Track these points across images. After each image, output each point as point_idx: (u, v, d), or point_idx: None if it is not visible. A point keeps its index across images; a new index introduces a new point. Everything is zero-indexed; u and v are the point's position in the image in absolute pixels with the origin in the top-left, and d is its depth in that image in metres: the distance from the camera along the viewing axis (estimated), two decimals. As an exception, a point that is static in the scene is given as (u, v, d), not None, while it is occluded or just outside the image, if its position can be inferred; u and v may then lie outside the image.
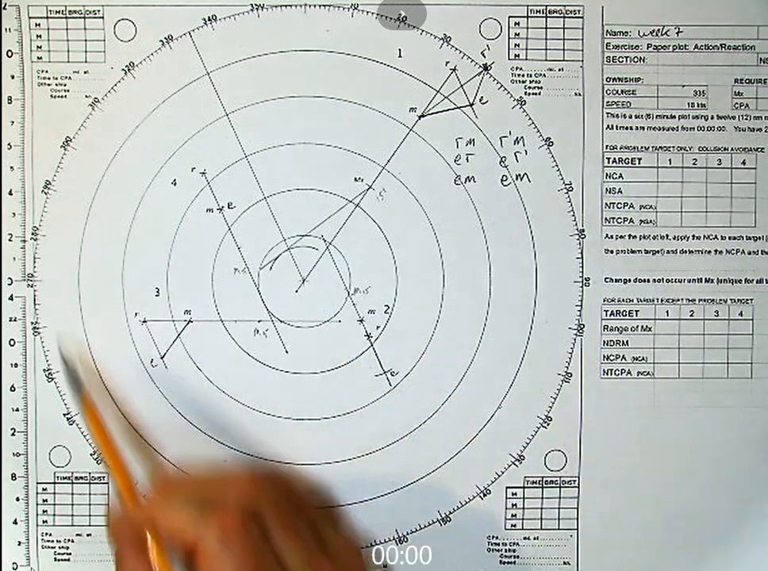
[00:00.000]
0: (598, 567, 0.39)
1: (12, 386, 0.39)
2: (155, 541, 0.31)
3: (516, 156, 0.39)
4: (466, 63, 0.38)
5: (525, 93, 0.38)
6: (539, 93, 0.38)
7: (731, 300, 0.39)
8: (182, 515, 0.30)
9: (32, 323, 0.39)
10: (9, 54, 0.38)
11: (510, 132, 0.38)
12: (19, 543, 0.39)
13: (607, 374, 0.39)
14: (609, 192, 0.39)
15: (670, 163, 0.39)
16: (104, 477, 0.39)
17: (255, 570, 0.29)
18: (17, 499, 0.39)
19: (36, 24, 0.38)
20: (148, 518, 0.31)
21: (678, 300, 0.39)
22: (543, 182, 0.39)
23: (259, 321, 0.39)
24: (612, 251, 0.39)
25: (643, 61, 0.38)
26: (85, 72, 0.38)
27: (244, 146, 0.39)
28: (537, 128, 0.38)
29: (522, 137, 0.38)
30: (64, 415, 0.39)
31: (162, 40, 0.38)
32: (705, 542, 0.39)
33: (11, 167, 0.39)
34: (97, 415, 0.35)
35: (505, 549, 0.39)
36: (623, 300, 0.39)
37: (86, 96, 0.38)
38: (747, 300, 0.39)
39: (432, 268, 0.39)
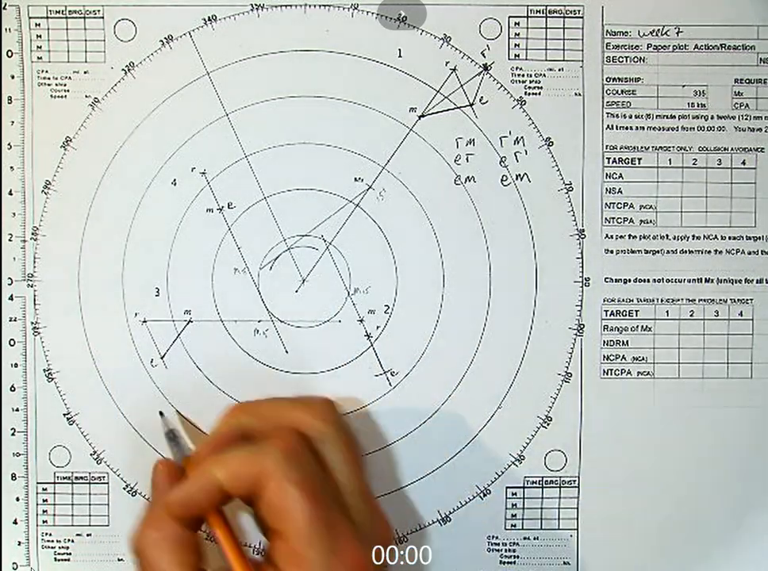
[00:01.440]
0: (598, 567, 0.39)
1: (12, 386, 0.39)
2: (216, 516, 0.31)
3: (516, 156, 0.38)
4: (466, 63, 0.38)
5: (525, 93, 0.38)
6: (539, 93, 0.38)
7: (731, 300, 0.39)
8: (240, 456, 0.30)
9: (32, 323, 0.39)
10: (9, 54, 0.38)
11: (510, 132, 0.38)
12: (19, 543, 0.39)
13: (607, 374, 0.39)
14: (609, 192, 0.39)
15: (670, 163, 0.39)
16: (104, 477, 0.39)
17: (319, 487, 0.30)
18: (17, 499, 0.39)
19: (36, 24, 0.38)
20: (210, 481, 0.31)
21: (678, 300, 0.39)
22: (543, 182, 0.39)
23: (259, 321, 0.39)
24: (612, 251, 0.39)
25: (643, 61, 0.38)
26: (85, 72, 0.38)
27: (244, 146, 0.39)
28: (537, 128, 0.38)
29: (522, 137, 0.38)
30: (64, 415, 0.39)
31: (162, 40, 0.38)
32: (705, 542, 0.39)
33: (11, 167, 0.39)
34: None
35: (505, 549, 0.39)
36: (623, 300, 0.39)
37: (86, 96, 0.38)
38: (747, 300, 0.39)
39: (432, 268, 0.39)
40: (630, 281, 0.39)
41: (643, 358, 0.39)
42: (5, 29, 0.38)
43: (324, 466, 0.32)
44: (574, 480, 0.39)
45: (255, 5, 0.38)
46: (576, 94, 0.38)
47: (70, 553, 0.39)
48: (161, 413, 0.38)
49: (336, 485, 0.32)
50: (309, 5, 0.38)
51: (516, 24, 0.38)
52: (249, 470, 0.30)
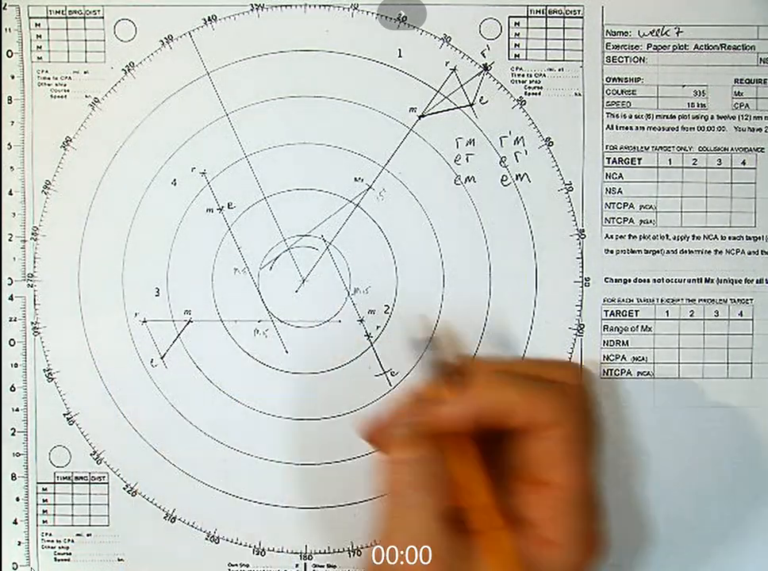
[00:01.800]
0: (598, 567, 0.39)
1: (12, 386, 0.39)
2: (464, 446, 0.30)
3: (516, 156, 0.38)
4: (466, 63, 0.38)
5: (525, 93, 0.38)
6: (539, 93, 0.38)
7: (731, 300, 0.39)
8: (543, 388, 0.30)
9: (32, 323, 0.39)
10: (9, 54, 0.38)
11: (510, 132, 0.38)
12: (19, 543, 0.39)
13: (607, 374, 0.39)
14: (609, 192, 0.39)
15: (670, 163, 0.39)
16: (104, 477, 0.39)
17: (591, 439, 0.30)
18: (17, 499, 0.39)
19: (36, 24, 0.38)
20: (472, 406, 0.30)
21: (678, 300, 0.39)
22: (543, 182, 0.39)
23: (259, 321, 0.39)
24: (612, 251, 0.39)
25: (643, 61, 0.38)
26: (85, 72, 0.38)
27: (244, 146, 0.39)
28: (537, 128, 0.38)
29: (522, 137, 0.38)
30: (64, 415, 0.39)
31: (162, 40, 0.38)
32: (705, 542, 0.39)
33: (11, 167, 0.39)
34: None
35: (505, 549, 0.39)
36: (623, 300, 0.39)
37: (86, 96, 0.38)
38: (747, 300, 0.39)
39: (432, 268, 0.39)
40: (630, 281, 0.39)
41: (643, 358, 0.39)
42: (5, 29, 0.38)
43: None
44: (574, 480, 0.39)
45: (255, 5, 0.38)
46: (576, 94, 0.38)
47: (70, 553, 0.39)
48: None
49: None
50: (309, 5, 0.38)
51: (516, 24, 0.38)
52: (545, 405, 0.29)
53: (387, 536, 0.30)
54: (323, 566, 0.39)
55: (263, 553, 0.39)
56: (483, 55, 0.38)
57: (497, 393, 0.30)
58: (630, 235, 0.39)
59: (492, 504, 0.30)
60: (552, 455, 0.29)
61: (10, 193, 0.39)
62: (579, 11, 0.38)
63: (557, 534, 0.28)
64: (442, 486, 0.29)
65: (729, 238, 0.39)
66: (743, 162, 0.39)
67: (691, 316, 0.39)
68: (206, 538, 0.39)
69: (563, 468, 0.29)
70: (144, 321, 0.39)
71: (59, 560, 0.39)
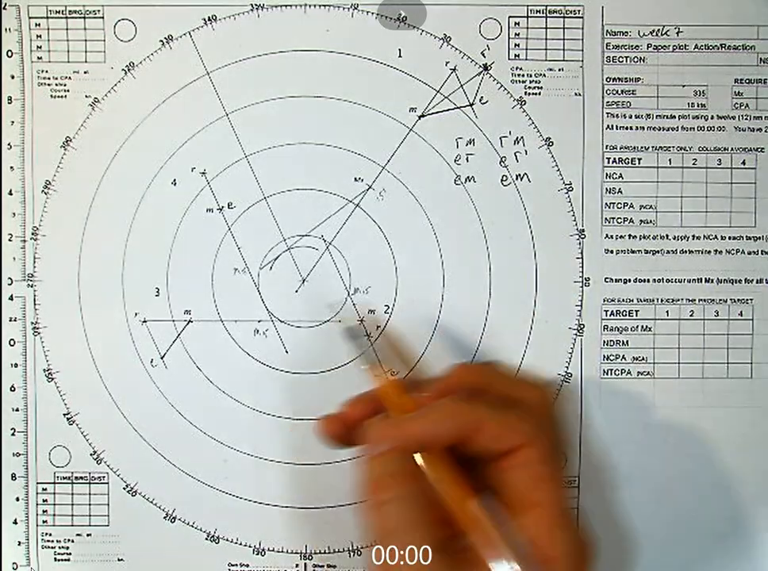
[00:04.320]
0: (598, 567, 0.39)
1: (12, 386, 0.39)
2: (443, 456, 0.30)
3: (516, 156, 0.38)
4: (466, 63, 0.38)
5: (525, 93, 0.38)
6: (539, 93, 0.38)
7: (731, 300, 0.39)
8: (507, 410, 0.31)
9: (32, 323, 0.39)
10: (9, 54, 0.38)
11: (510, 132, 0.38)
12: (19, 543, 0.39)
13: (607, 374, 0.39)
14: (609, 192, 0.39)
15: (670, 163, 0.39)
16: (104, 477, 0.39)
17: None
18: (17, 499, 0.39)
19: (36, 24, 0.38)
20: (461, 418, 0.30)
21: (678, 300, 0.39)
22: (543, 182, 0.39)
23: (259, 321, 0.39)
24: (612, 251, 0.39)
25: (643, 61, 0.38)
26: (85, 72, 0.38)
27: (244, 146, 0.39)
28: (537, 128, 0.38)
29: (522, 137, 0.38)
30: (64, 415, 0.39)
31: (162, 40, 0.38)
32: (705, 542, 0.39)
33: (11, 167, 0.39)
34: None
35: (505, 549, 0.39)
36: (623, 300, 0.39)
37: (86, 96, 0.38)
38: (747, 300, 0.39)
39: (432, 268, 0.39)
40: (630, 281, 0.39)
41: (643, 358, 0.39)
42: (5, 29, 0.38)
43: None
44: (574, 481, 0.39)
45: (255, 5, 0.38)
46: (576, 94, 0.38)
47: (70, 553, 0.39)
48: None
49: None
50: (309, 5, 0.38)
51: (516, 24, 0.38)
52: (515, 426, 0.30)
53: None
54: (323, 566, 0.39)
55: (263, 553, 0.39)
56: (483, 55, 0.38)
57: (466, 408, 0.31)
58: (630, 235, 0.39)
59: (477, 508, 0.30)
60: (533, 478, 0.30)
61: (10, 193, 0.39)
62: (579, 11, 0.38)
63: (555, 549, 0.29)
64: (432, 516, 0.30)
65: (729, 238, 0.39)
66: (743, 162, 0.39)
67: (691, 316, 0.39)
68: (206, 538, 0.39)
69: (546, 487, 0.30)
70: (144, 321, 0.39)
71: (59, 560, 0.39)
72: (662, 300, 0.39)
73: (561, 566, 0.29)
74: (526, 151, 0.38)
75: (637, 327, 0.39)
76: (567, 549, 0.29)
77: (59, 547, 0.39)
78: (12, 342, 0.39)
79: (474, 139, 0.38)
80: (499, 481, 0.31)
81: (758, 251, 0.39)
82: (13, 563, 0.39)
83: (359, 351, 0.37)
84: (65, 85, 0.38)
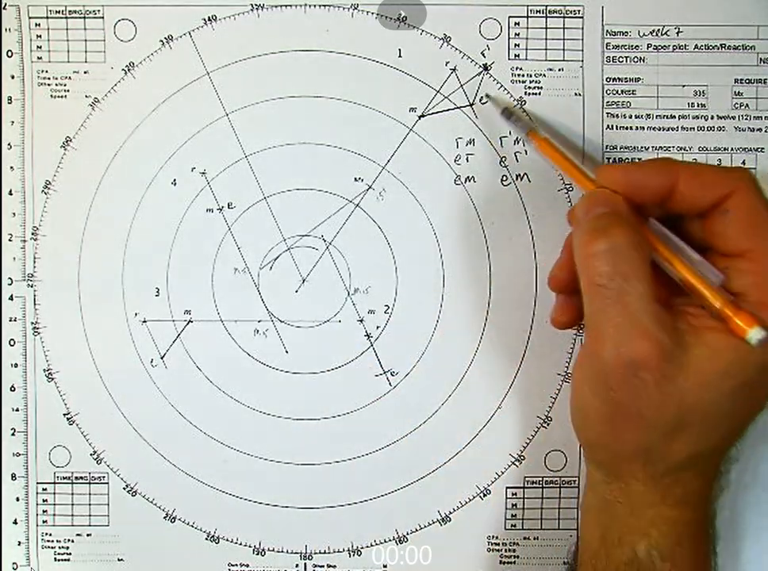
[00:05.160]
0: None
1: (12, 386, 0.39)
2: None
3: (516, 156, 0.38)
4: (466, 63, 0.38)
5: (525, 93, 0.38)
6: (539, 93, 0.38)
7: (731, 300, 0.39)
8: (710, 166, 0.32)
9: (32, 323, 0.39)
10: (9, 54, 0.38)
11: (510, 132, 0.38)
12: (19, 543, 0.39)
13: (607, 374, 0.39)
14: (609, 192, 0.39)
15: (670, 163, 0.39)
16: (104, 477, 0.39)
17: None
18: (17, 499, 0.39)
19: (36, 24, 0.38)
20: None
21: (678, 300, 0.39)
22: (543, 182, 0.39)
23: (259, 321, 0.39)
24: (612, 251, 0.39)
25: (643, 61, 0.38)
26: (85, 72, 0.38)
27: (244, 146, 0.39)
28: (537, 128, 0.38)
29: (522, 137, 0.38)
30: (64, 415, 0.39)
31: (162, 40, 0.38)
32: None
33: (11, 167, 0.39)
34: (551, 145, 0.35)
35: (505, 549, 0.39)
36: (623, 300, 0.39)
37: (86, 96, 0.38)
38: (747, 300, 0.39)
39: (432, 268, 0.39)
40: (630, 281, 0.39)
41: (643, 358, 0.39)
42: (5, 29, 0.38)
43: None
44: (574, 481, 0.39)
45: (255, 5, 0.38)
46: (576, 94, 0.38)
47: (70, 553, 0.39)
48: (487, 95, 0.38)
49: None
50: (309, 5, 0.38)
51: (516, 24, 0.38)
52: (727, 172, 0.30)
53: (601, 334, 0.29)
54: (323, 566, 0.39)
55: (263, 553, 0.39)
56: (483, 55, 0.38)
57: (679, 161, 0.31)
58: (630, 235, 0.39)
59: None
60: (746, 223, 0.29)
61: (10, 193, 0.39)
62: (579, 11, 0.38)
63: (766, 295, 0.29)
64: (647, 269, 0.29)
65: (729, 238, 0.39)
66: (743, 163, 0.39)
67: (691, 316, 0.39)
68: (206, 538, 0.39)
69: (755, 233, 0.29)
70: (144, 321, 0.39)
71: (59, 560, 0.39)
72: (662, 300, 0.39)
73: None
74: (526, 151, 0.38)
75: (637, 327, 0.39)
76: None
77: (59, 547, 0.39)
78: (12, 343, 0.39)
79: (474, 139, 0.38)
80: (710, 235, 0.30)
81: (758, 250, 0.39)
82: (13, 563, 0.39)
83: (520, 130, 0.37)
84: (65, 85, 0.38)
